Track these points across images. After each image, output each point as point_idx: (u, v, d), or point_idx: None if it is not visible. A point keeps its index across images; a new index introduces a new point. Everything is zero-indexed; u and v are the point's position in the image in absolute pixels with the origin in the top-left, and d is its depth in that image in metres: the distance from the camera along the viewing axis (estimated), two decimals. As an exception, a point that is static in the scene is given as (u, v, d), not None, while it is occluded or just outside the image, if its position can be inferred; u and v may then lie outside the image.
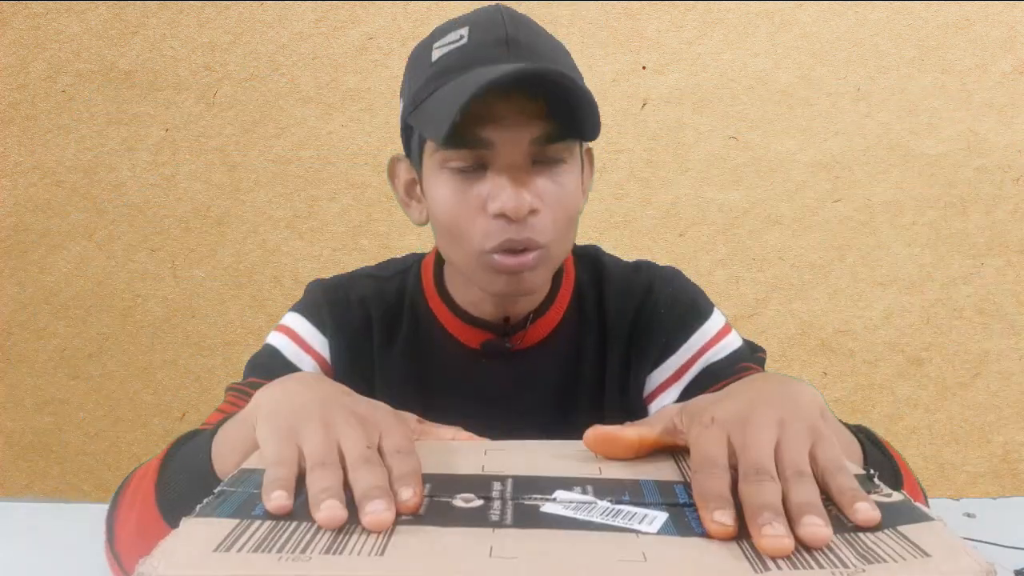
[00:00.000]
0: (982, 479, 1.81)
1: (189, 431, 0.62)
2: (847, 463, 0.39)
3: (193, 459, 0.55)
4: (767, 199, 1.78)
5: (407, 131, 0.70)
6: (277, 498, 0.36)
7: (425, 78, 0.65)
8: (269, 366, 0.75)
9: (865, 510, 0.35)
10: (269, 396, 0.48)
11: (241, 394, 0.71)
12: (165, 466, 0.58)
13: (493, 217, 0.63)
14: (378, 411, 0.46)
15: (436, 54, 0.65)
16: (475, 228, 0.64)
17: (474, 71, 0.61)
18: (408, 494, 0.37)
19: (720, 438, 0.40)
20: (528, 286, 0.67)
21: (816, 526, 0.33)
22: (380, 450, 0.41)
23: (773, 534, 0.32)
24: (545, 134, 0.63)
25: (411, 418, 0.51)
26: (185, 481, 0.55)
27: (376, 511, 0.35)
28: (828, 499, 0.37)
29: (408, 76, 0.70)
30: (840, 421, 0.55)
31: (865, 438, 0.57)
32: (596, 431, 0.46)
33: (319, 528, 0.34)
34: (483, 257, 0.65)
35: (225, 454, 0.51)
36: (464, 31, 0.65)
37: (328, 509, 0.35)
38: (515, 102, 0.61)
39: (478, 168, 0.64)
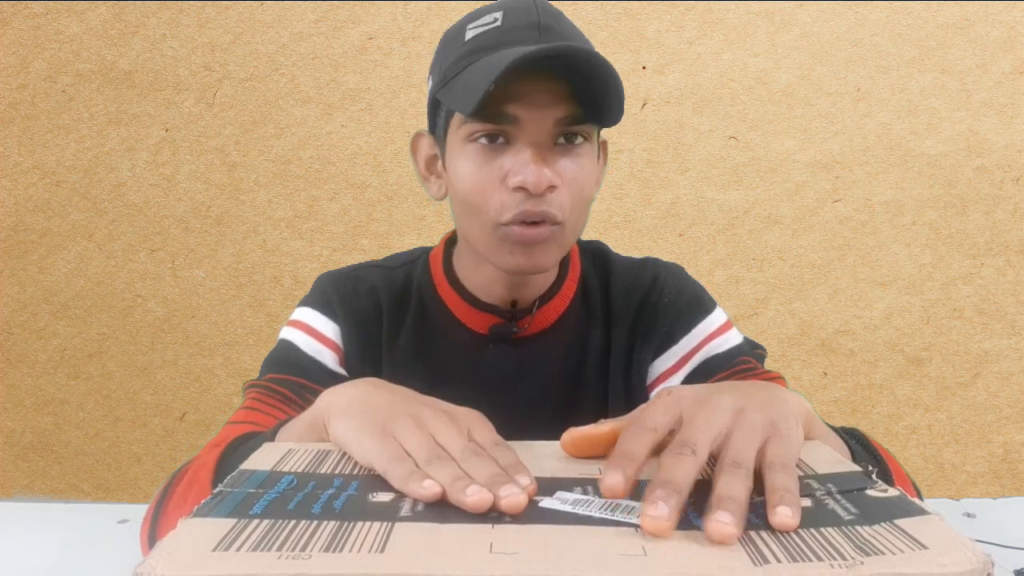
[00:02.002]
0: (982, 479, 1.81)
1: (245, 433, 0.63)
2: (800, 465, 0.39)
3: None
4: (767, 199, 1.78)
5: (434, 107, 0.72)
6: (431, 486, 0.38)
7: (457, 56, 0.67)
8: (287, 360, 0.76)
9: (784, 514, 0.34)
10: (342, 395, 0.49)
11: (265, 391, 0.72)
12: (222, 466, 0.58)
13: (512, 190, 0.65)
14: (459, 408, 0.48)
15: (469, 34, 0.67)
16: (494, 200, 0.66)
17: (505, 50, 0.63)
18: (527, 481, 0.38)
19: (668, 408, 0.41)
20: (540, 262, 0.68)
21: (722, 523, 0.32)
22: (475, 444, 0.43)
23: (653, 514, 0.33)
24: (570, 115, 0.64)
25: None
26: None
27: (513, 493, 0.36)
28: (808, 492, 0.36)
29: (440, 54, 0.71)
30: (829, 425, 0.55)
31: (855, 442, 0.57)
32: (571, 434, 0.47)
33: (318, 526, 0.34)
34: (499, 230, 0.67)
35: None
36: (499, 15, 0.66)
37: (475, 494, 0.36)
38: (543, 82, 0.63)
39: (502, 143, 0.66)
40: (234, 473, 0.42)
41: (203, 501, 0.37)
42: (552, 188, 0.65)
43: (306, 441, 0.50)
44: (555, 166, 0.65)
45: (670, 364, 0.77)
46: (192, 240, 1.83)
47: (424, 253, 0.83)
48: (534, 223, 0.65)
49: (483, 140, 0.66)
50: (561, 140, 0.66)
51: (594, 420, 0.48)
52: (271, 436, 0.55)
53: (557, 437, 0.48)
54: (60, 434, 1.88)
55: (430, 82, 0.72)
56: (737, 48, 1.75)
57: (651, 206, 1.79)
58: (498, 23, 0.66)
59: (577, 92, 0.64)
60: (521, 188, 0.64)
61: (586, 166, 0.67)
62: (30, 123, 1.81)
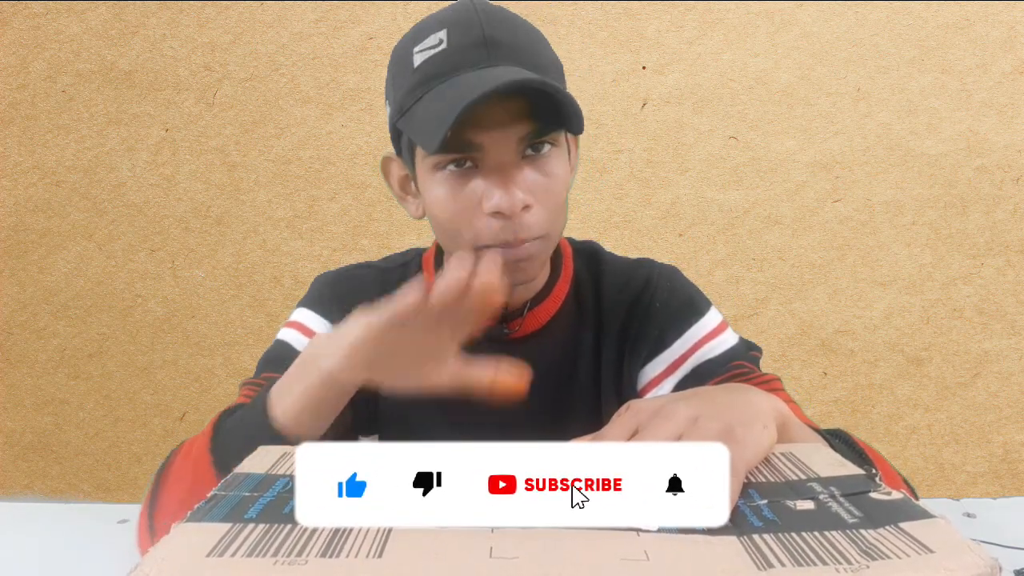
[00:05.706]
0: (982, 479, 1.81)
1: (230, 407, 0.65)
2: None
3: (247, 416, 0.58)
4: (767, 199, 1.78)
5: (396, 133, 0.72)
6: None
7: (409, 85, 0.67)
8: (281, 358, 0.76)
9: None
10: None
11: (256, 388, 0.72)
12: (218, 432, 0.60)
13: (489, 216, 0.65)
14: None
15: (417, 59, 0.66)
16: (471, 226, 0.66)
17: (457, 78, 0.63)
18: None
19: (625, 424, 0.43)
20: (525, 275, 0.69)
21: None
22: None
23: None
24: (532, 131, 0.64)
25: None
26: (242, 437, 0.57)
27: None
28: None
29: (391, 80, 0.71)
30: (815, 429, 0.55)
31: (840, 443, 0.57)
32: None
33: (315, 530, 0.34)
34: (480, 252, 0.66)
35: (285, 394, 0.57)
36: (443, 34, 0.65)
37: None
38: (501, 104, 0.62)
39: (470, 167, 0.66)
40: (228, 477, 0.42)
41: (197, 506, 0.37)
42: (527, 208, 0.65)
43: (300, 377, 0.55)
44: (525, 183, 0.65)
45: (661, 369, 0.76)
46: (192, 240, 1.82)
47: (418, 255, 0.83)
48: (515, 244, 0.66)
49: (452, 167, 0.66)
50: (529, 151, 0.66)
51: (589, 422, 0.48)
52: (265, 391, 0.58)
53: (551, 439, 0.48)
54: (60, 434, 1.88)
55: (388, 107, 0.72)
56: (737, 48, 1.75)
57: (651, 206, 1.79)
58: (444, 45, 0.64)
59: (535, 108, 0.63)
60: (497, 213, 0.64)
61: (557, 171, 0.67)
62: (30, 123, 1.81)
